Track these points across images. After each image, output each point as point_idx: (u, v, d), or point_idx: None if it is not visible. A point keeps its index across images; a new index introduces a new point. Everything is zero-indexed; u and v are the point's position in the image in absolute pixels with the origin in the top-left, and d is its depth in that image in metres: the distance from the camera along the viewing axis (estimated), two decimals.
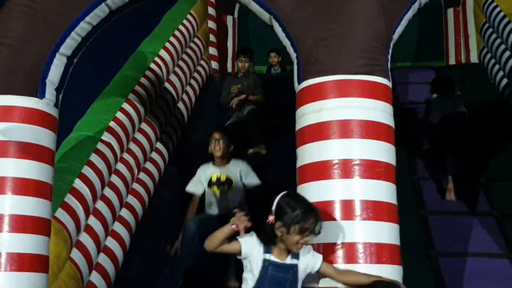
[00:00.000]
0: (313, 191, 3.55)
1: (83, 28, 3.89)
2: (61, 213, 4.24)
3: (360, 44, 3.69)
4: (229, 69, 9.19)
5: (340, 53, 3.69)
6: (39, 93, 3.76)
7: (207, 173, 5.20)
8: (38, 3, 3.84)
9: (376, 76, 3.68)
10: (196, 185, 5.23)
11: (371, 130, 3.58)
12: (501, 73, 7.44)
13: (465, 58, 8.83)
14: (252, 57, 7.29)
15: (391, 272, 3.34)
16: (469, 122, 6.23)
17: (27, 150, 3.60)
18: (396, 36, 3.84)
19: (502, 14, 7.48)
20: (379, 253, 3.34)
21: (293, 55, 3.87)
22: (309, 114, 3.69)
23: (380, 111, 3.65)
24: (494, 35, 7.76)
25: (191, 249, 4.79)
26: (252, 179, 5.19)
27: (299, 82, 3.80)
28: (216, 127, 5.48)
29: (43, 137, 3.70)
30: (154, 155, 6.19)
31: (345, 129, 3.58)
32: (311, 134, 3.65)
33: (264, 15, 3.96)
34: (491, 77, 7.78)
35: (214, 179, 5.15)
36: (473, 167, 6.12)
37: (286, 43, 3.90)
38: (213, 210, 5.12)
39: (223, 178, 5.14)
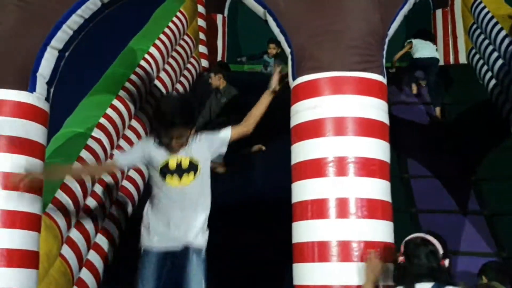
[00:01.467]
0: (308, 189, 3.53)
1: (74, 21, 3.84)
2: (52, 209, 4.19)
3: (355, 41, 3.65)
4: None
5: (335, 49, 3.65)
6: (30, 86, 3.70)
7: (158, 154, 3.46)
8: None
9: (371, 72, 3.65)
10: (126, 156, 3.64)
11: (365, 127, 3.56)
12: (489, 74, 7.47)
13: (453, 58, 8.87)
14: (222, 72, 6.88)
15: (385, 270, 3.34)
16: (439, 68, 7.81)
17: (18, 145, 3.55)
18: (391, 32, 3.80)
19: (490, 15, 7.52)
20: None
21: (288, 50, 3.83)
22: (304, 111, 3.66)
23: (375, 108, 3.63)
24: (482, 36, 7.79)
25: None
26: (223, 133, 3.57)
27: (294, 78, 3.76)
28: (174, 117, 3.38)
29: (34, 131, 3.65)
30: None
31: (339, 126, 3.55)
32: (306, 131, 3.61)
33: (259, 10, 3.92)
34: (479, 78, 7.81)
35: (172, 165, 3.44)
36: (464, 167, 6.15)
37: (281, 38, 3.87)
38: (166, 216, 3.48)
39: (185, 164, 3.45)
